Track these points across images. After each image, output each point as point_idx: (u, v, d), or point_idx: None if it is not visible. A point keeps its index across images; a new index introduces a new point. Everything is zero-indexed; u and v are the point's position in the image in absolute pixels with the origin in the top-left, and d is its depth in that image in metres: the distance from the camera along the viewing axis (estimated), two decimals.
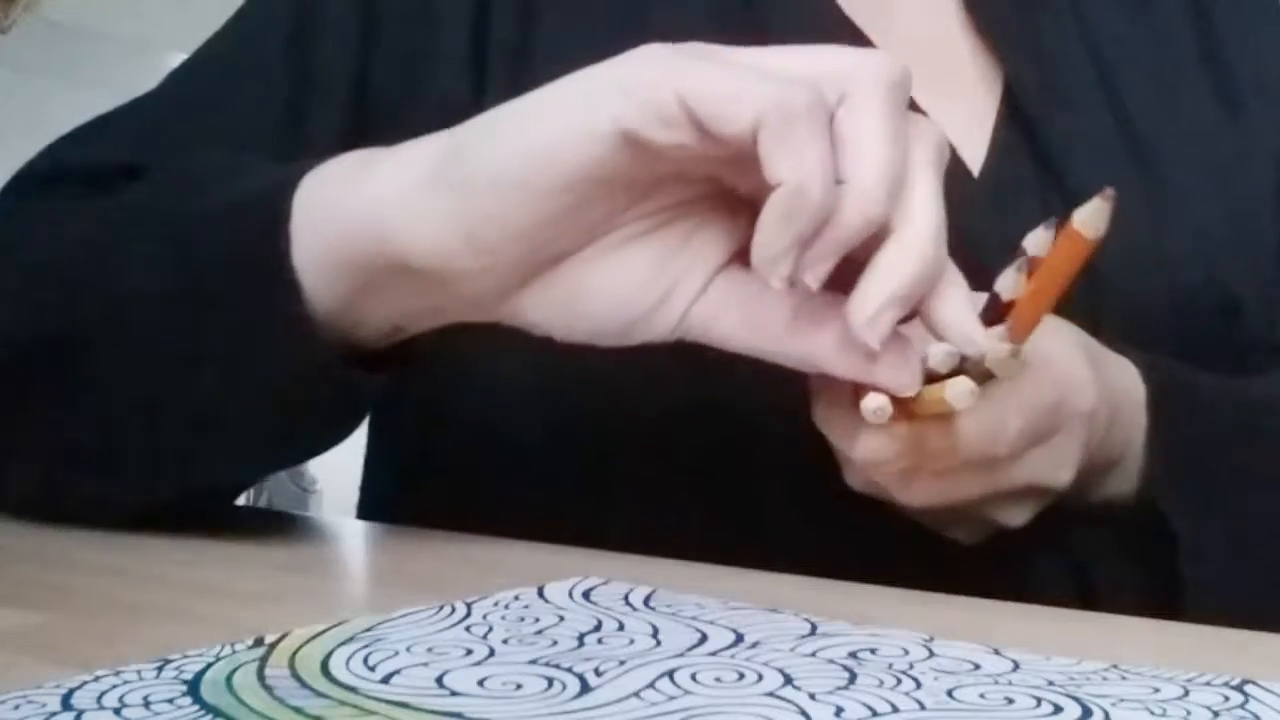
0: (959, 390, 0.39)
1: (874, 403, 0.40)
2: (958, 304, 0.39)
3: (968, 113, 0.58)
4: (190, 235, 0.46)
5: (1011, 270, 0.40)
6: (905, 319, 0.39)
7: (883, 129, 0.37)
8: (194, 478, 0.49)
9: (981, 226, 0.49)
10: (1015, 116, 0.58)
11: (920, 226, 0.38)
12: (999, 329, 0.40)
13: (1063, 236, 0.39)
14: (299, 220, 0.44)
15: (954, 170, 0.56)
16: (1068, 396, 0.45)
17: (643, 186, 0.41)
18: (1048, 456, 0.45)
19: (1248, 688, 0.30)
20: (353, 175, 0.44)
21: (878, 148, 0.37)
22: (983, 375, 0.40)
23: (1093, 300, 0.54)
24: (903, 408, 0.41)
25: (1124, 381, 0.50)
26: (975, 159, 0.57)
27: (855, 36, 0.59)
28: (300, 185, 0.44)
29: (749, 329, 0.42)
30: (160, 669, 0.30)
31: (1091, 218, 0.38)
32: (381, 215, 0.42)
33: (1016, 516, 0.47)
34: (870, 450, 0.42)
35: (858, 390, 0.41)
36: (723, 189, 0.42)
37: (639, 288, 0.42)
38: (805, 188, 0.36)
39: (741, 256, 0.42)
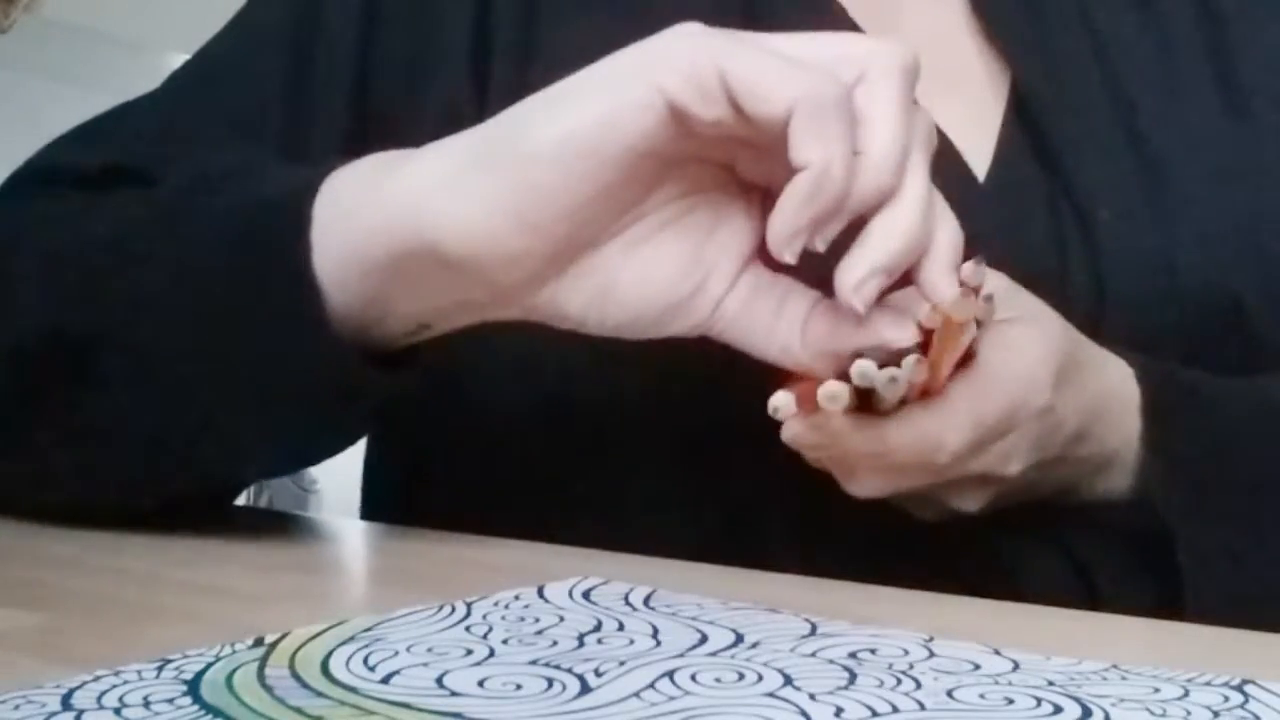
0: (826, 391, 0.42)
1: (777, 400, 0.42)
2: (939, 267, 0.41)
3: (973, 115, 0.58)
4: (204, 240, 0.46)
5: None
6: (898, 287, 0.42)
7: (896, 109, 0.40)
8: (197, 476, 0.49)
9: (987, 230, 0.49)
10: (1022, 120, 0.58)
11: (907, 204, 0.40)
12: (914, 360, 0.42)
13: (942, 321, 0.42)
14: (319, 225, 0.44)
15: (959, 174, 0.56)
16: (1021, 399, 0.45)
17: (668, 168, 0.42)
18: (997, 450, 0.45)
19: (1248, 688, 0.30)
20: (377, 174, 0.44)
21: (892, 125, 0.40)
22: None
23: (1096, 305, 0.53)
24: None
25: (1112, 381, 0.50)
26: (981, 163, 0.57)
27: None
28: (320, 190, 0.44)
29: (770, 329, 0.43)
30: (160, 669, 0.30)
31: (956, 306, 0.41)
32: (420, 205, 0.42)
33: (970, 503, 0.47)
34: (791, 435, 0.44)
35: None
36: (733, 179, 0.43)
37: (676, 273, 0.43)
38: (830, 171, 0.38)
39: (762, 254, 0.44)
